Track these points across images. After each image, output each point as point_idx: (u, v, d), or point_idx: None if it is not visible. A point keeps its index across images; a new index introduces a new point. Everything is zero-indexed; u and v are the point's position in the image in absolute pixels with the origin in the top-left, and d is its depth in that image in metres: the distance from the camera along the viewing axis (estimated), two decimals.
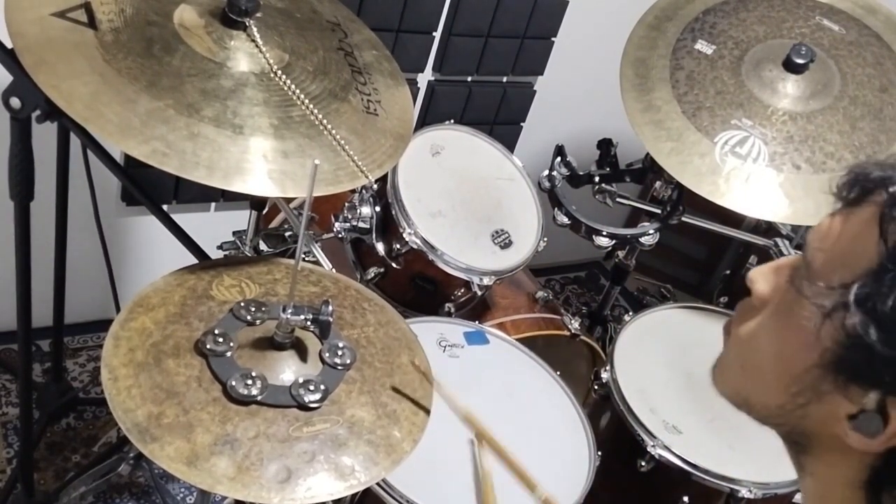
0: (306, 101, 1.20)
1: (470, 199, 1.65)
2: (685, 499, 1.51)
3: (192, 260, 1.34)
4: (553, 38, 2.33)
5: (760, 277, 0.69)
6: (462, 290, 1.65)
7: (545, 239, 1.67)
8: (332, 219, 1.60)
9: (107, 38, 1.12)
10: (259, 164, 1.12)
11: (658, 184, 1.77)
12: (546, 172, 1.75)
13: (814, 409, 0.63)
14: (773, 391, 0.66)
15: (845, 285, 0.58)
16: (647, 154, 1.72)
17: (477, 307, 1.72)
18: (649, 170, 1.77)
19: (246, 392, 1.00)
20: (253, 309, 1.11)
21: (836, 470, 0.64)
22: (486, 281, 1.58)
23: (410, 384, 1.14)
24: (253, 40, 1.20)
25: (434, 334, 1.52)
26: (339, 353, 1.10)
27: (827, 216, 0.65)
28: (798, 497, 1.53)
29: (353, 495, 1.26)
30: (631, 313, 1.73)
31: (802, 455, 0.67)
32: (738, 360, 0.70)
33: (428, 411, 1.12)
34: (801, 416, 0.64)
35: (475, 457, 1.31)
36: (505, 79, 2.35)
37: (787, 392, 0.64)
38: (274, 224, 1.77)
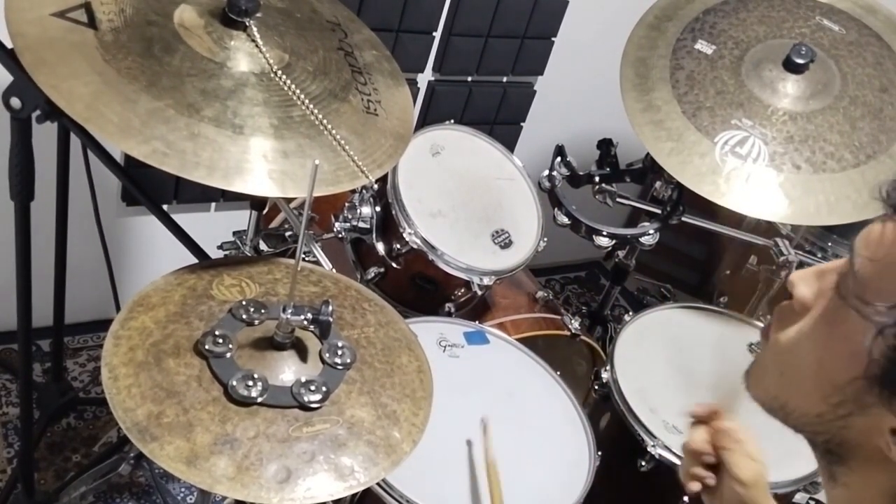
0: (306, 101, 1.20)
1: (470, 199, 1.65)
2: (685, 499, 1.51)
3: (192, 260, 1.34)
4: (553, 38, 2.33)
5: (802, 282, 0.66)
6: (462, 290, 1.65)
7: (545, 239, 1.67)
8: (333, 219, 1.60)
9: (107, 38, 1.12)
10: (259, 164, 1.12)
11: (658, 184, 1.77)
12: (546, 172, 1.75)
13: (855, 421, 0.61)
14: (813, 400, 0.64)
15: None
16: (647, 154, 1.72)
17: (477, 307, 1.72)
18: (649, 170, 1.77)
19: (247, 393, 1.00)
20: (253, 309, 1.11)
21: (873, 482, 0.63)
22: (487, 281, 1.58)
23: (410, 384, 1.14)
24: (253, 40, 1.20)
25: (434, 334, 1.52)
26: (339, 353, 1.10)
27: (877, 222, 0.61)
28: (798, 497, 1.53)
29: (353, 495, 1.26)
30: (631, 313, 1.73)
31: (837, 465, 0.66)
32: (777, 367, 0.68)
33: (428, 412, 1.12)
34: (841, 426, 0.62)
35: (470, 458, 1.31)
36: (505, 79, 2.35)
37: (827, 402, 0.62)
38: (274, 224, 1.77)
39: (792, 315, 0.67)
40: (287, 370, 1.05)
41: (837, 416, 0.62)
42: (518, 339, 1.60)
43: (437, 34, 2.13)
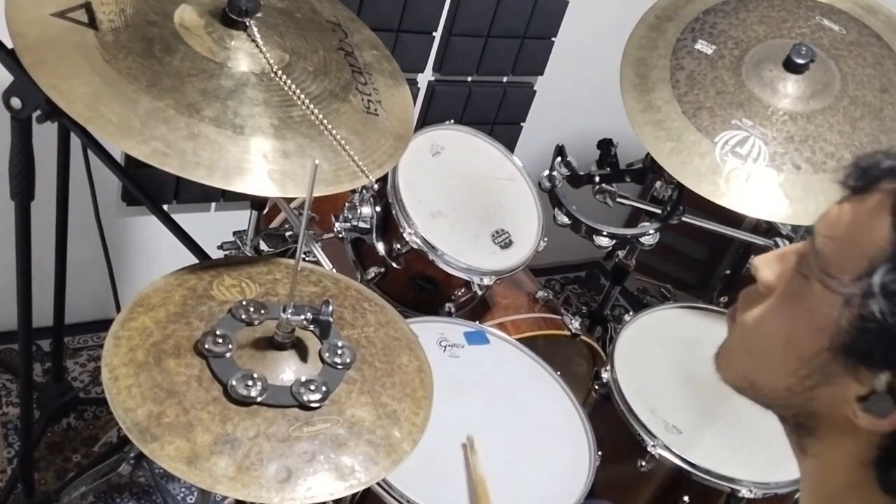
0: (306, 101, 1.20)
1: (470, 199, 1.65)
2: (685, 499, 1.51)
3: (192, 260, 1.34)
4: (553, 38, 2.33)
5: (765, 265, 0.70)
6: (462, 290, 1.65)
7: (545, 239, 1.67)
8: (333, 219, 1.60)
9: (107, 38, 1.12)
10: (259, 164, 1.12)
11: (658, 184, 1.77)
12: (546, 172, 1.75)
13: (822, 392, 0.64)
14: (781, 374, 0.67)
15: (864, 273, 0.59)
16: (648, 154, 1.72)
17: (477, 307, 1.72)
18: (649, 170, 1.77)
19: (246, 393, 1.00)
20: (253, 309, 1.11)
21: (841, 450, 0.65)
22: (487, 281, 1.58)
23: (410, 384, 1.14)
24: (253, 40, 1.20)
25: (434, 334, 1.52)
26: (339, 352, 1.10)
27: (834, 204, 0.65)
28: (799, 496, 1.53)
29: (353, 495, 1.26)
30: (631, 313, 1.73)
31: (806, 438, 0.69)
32: (745, 346, 0.72)
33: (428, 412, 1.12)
34: (808, 398, 0.65)
35: (468, 462, 1.31)
36: (505, 79, 2.35)
37: (795, 375, 0.65)
38: (274, 224, 1.77)
39: (757, 297, 0.70)
40: (287, 370, 1.06)
41: (805, 388, 0.65)
42: (518, 340, 1.60)
43: (437, 34, 2.13)
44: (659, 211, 1.75)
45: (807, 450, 0.69)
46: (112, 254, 1.65)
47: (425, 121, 2.22)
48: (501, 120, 2.39)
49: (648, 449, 1.47)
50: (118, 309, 1.11)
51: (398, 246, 1.55)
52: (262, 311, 1.11)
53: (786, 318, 0.66)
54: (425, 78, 2.20)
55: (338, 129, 1.21)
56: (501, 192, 1.69)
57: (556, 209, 1.72)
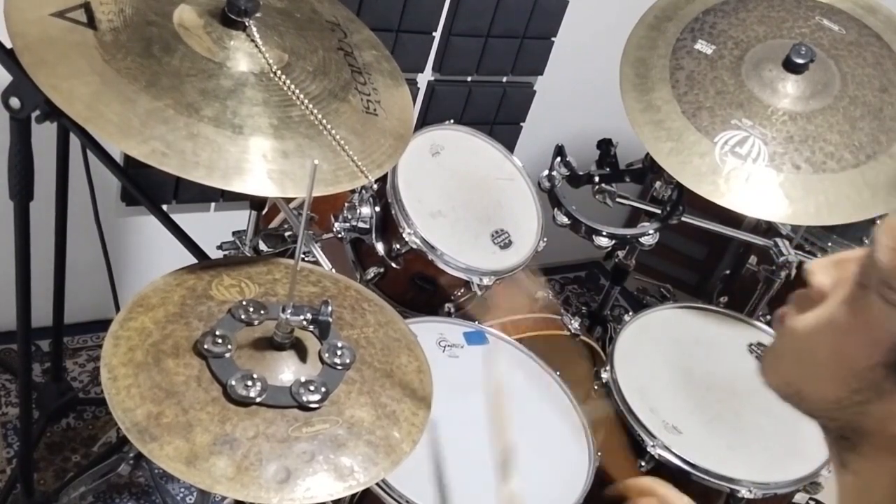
0: (306, 101, 1.20)
1: (470, 199, 1.65)
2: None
3: (191, 260, 1.33)
4: (553, 38, 2.33)
5: (821, 270, 0.67)
6: (462, 290, 1.65)
7: (545, 239, 1.67)
8: (332, 219, 1.60)
9: (106, 38, 1.12)
10: (259, 164, 1.12)
11: (658, 184, 1.77)
12: (546, 172, 1.75)
13: (872, 408, 0.62)
14: (830, 386, 0.65)
15: None
16: (647, 154, 1.72)
17: (477, 307, 1.72)
18: (649, 170, 1.77)
19: (245, 393, 1.00)
20: (252, 309, 1.11)
21: (885, 469, 0.64)
22: (486, 281, 1.58)
23: (410, 384, 1.14)
24: (252, 40, 1.20)
25: (434, 334, 1.52)
26: (339, 353, 1.10)
27: None
28: (798, 497, 1.53)
29: (353, 495, 1.26)
30: (631, 313, 1.73)
31: (848, 452, 0.66)
32: (794, 353, 0.69)
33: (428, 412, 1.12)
34: (857, 412, 0.63)
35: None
36: (505, 79, 2.35)
37: (845, 387, 0.63)
38: (273, 224, 1.77)
39: (809, 303, 0.67)
40: (286, 370, 1.05)
41: (854, 403, 0.63)
42: (518, 340, 1.60)
43: (437, 34, 2.13)
44: (659, 211, 1.75)
45: (847, 465, 0.67)
46: (111, 254, 1.65)
47: (425, 121, 2.21)
48: (501, 120, 2.39)
49: (648, 449, 1.47)
50: (117, 309, 1.11)
51: (398, 246, 1.55)
52: (262, 312, 1.11)
53: (840, 329, 0.64)
54: (425, 78, 2.20)
55: (337, 129, 1.21)
56: (501, 192, 1.69)
57: (556, 209, 1.72)
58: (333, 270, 1.44)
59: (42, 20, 1.10)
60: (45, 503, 1.70)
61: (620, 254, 1.94)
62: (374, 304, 1.26)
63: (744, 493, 1.44)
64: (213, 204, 2.13)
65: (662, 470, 1.48)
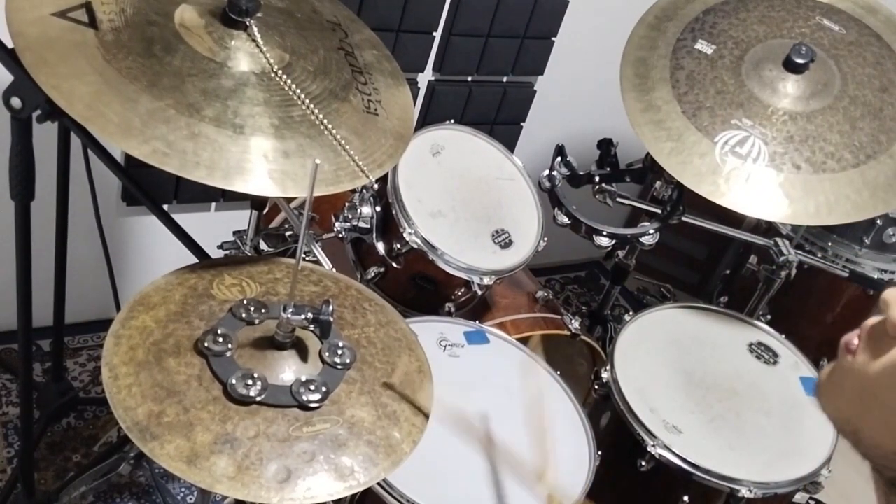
0: (307, 100, 1.20)
1: (470, 198, 1.65)
2: (685, 499, 1.51)
3: (192, 260, 1.34)
4: (553, 38, 2.33)
5: None
6: (462, 290, 1.65)
7: (545, 239, 1.67)
8: (333, 218, 1.60)
9: (107, 37, 1.12)
10: (260, 163, 1.12)
11: (658, 184, 1.77)
12: (546, 172, 1.75)
13: None
14: (893, 436, 0.60)
15: None
16: (647, 154, 1.72)
17: (477, 307, 1.72)
18: (649, 170, 1.77)
19: (246, 393, 1.00)
20: (253, 308, 1.11)
21: None
22: (487, 281, 1.58)
23: (411, 385, 1.14)
24: (253, 40, 1.20)
25: (434, 334, 1.52)
26: (340, 352, 1.10)
27: None
28: (798, 497, 1.53)
29: (353, 495, 1.26)
30: (631, 313, 1.73)
31: None
32: (859, 392, 0.63)
33: (428, 413, 1.12)
34: None
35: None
36: (505, 79, 2.35)
37: None
38: (274, 224, 1.78)
39: (884, 338, 0.61)
40: (287, 370, 1.05)
41: None
42: (518, 339, 1.60)
43: (438, 34, 2.13)
44: (659, 211, 1.75)
45: None
46: (112, 253, 1.65)
47: (425, 121, 2.22)
48: (501, 120, 2.39)
49: (648, 449, 1.47)
50: (118, 309, 1.11)
51: (398, 246, 1.55)
52: (263, 311, 1.11)
53: None
54: (425, 78, 2.20)
55: (338, 128, 1.21)
56: (501, 192, 1.69)
57: (556, 209, 1.72)
58: (334, 270, 1.44)
59: (43, 20, 1.10)
60: (45, 503, 1.70)
61: (621, 253, 1.94)
62: (375, 303, 1.26)
63: (744, 492, 1.45)
64: (213, 204, 2.13)
65: (662, 470, 1.48)
